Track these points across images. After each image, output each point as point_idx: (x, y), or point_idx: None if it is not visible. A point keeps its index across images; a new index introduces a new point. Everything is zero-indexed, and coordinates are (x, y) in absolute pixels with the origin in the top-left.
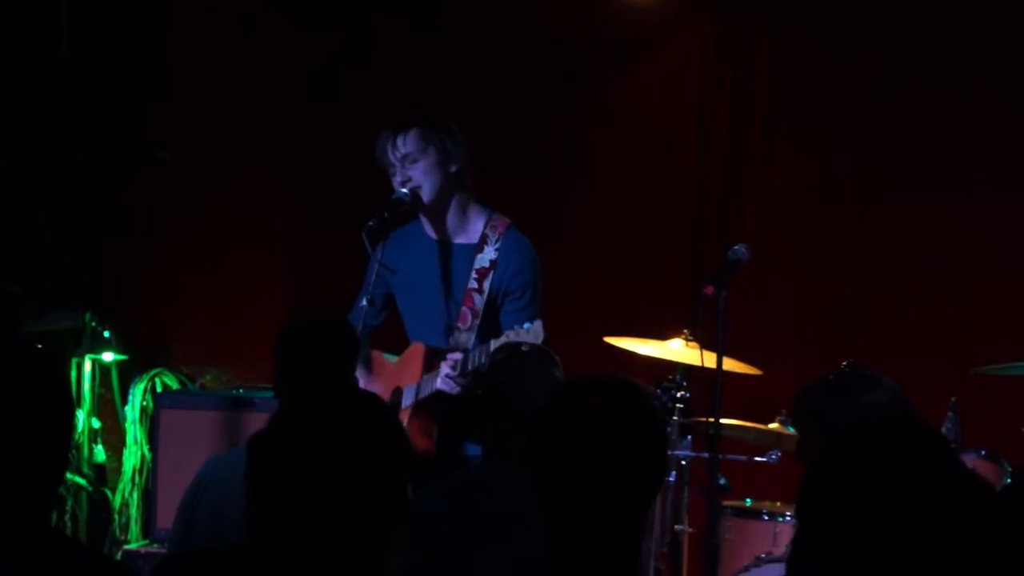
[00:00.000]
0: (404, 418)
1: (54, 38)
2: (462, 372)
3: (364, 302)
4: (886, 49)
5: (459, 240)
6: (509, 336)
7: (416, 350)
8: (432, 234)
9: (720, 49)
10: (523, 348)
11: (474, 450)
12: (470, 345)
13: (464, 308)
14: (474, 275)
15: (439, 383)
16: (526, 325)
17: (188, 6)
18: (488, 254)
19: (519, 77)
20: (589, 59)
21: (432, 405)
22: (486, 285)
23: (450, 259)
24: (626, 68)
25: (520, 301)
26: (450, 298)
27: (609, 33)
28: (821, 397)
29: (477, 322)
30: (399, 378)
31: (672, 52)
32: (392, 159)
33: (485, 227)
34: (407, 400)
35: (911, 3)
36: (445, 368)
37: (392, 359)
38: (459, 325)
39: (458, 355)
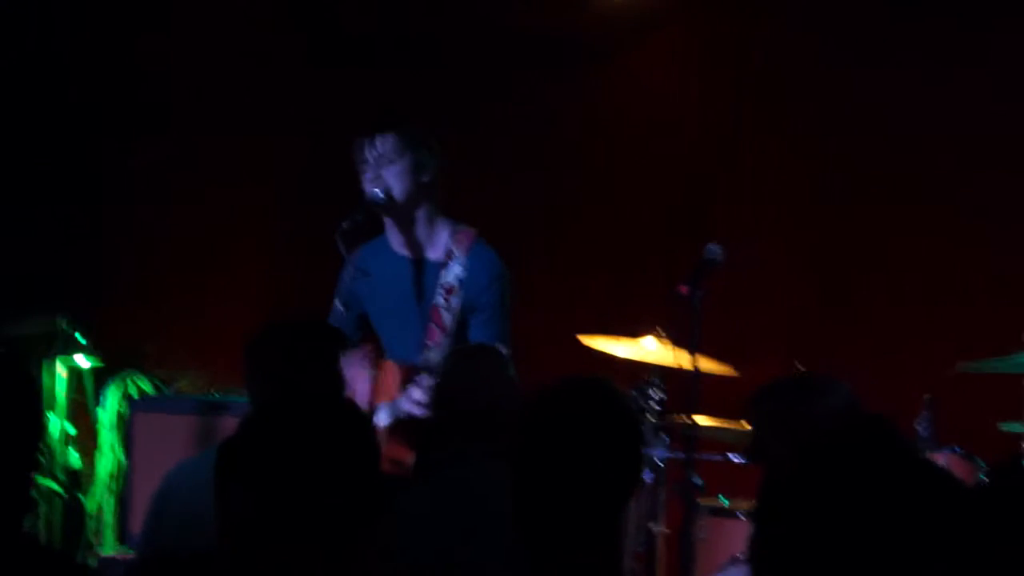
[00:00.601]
0: (381, 438)
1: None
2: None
3: (339, 305)
4: (876, 52)
5: (427, 255)
6: None
7: (391, 367)
8: (400, 250)
9: (705, 50)
10: (467, 350)
11: None
12: (439, 362)
13: (432, 325)
14: (441, 291)
15: (406, 406)
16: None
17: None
18: (454, 270)
19: (498, 76)
20: (568, 58)
21: (407, 426)
22: (454, 301)
23: (422, 275)
24: (605, 68)
25: (486, 315)
26: (422, 314)
27: (590, 32)
28: (776, 400)
29: (446, 339)
30: (375, 393)
31: (653, 52)
32: (367, 156)
33: (450, 241)
34: (383, 420)
35: (902, 7)
36: (415, 393)
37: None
38: (428, 343)
39: (425, 379)
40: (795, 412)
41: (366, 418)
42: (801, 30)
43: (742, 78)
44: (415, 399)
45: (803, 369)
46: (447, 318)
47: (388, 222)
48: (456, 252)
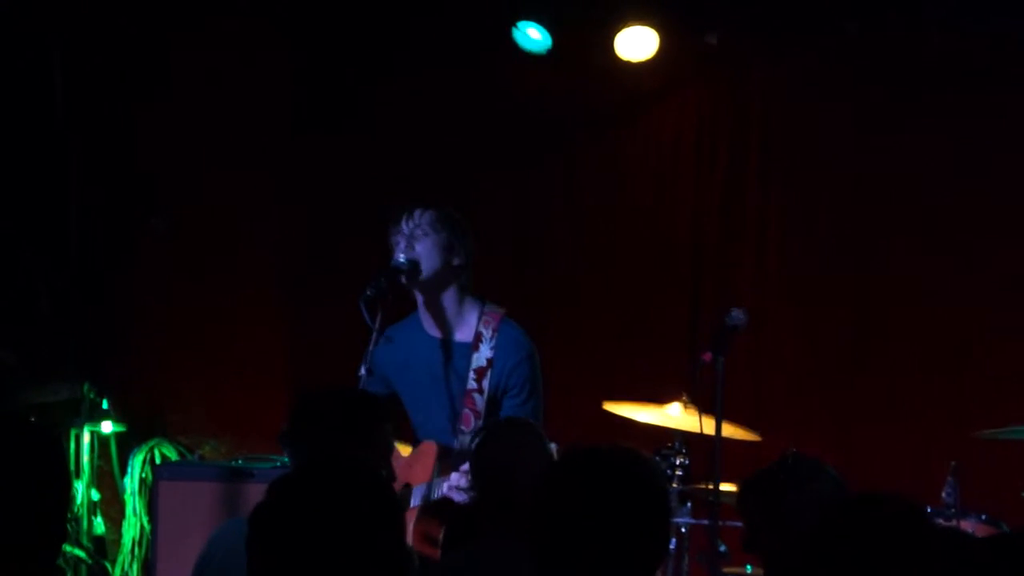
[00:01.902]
0: (410, 519)
1: (48, 105)
2: (472, 484)
3: (363, 371)
4: (881, 111)
5: (457, 338)
6: None
7: (428, 449)
8: (432, 331)
9: (713, 114)
10: (502, 426)
11: None
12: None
13: (466, 410)
14: (472, 375)
15: (446, 491)
16: None
17: (186, 71)
18: (484, 352)
19: (512, 145)
20: (582, 125)
21: (439, 509)
22: (485, 384)
23: (451, 357)
24: (621, 132)
25: (520, 396)
26: (452, 395)
27: (602, 98)
28: (767, 487)
29: (480, 423)
30: (409, 473)
31: (665, 118)
32: (404, 227)
33: (479, 323)
34: (415, 500)
35: (908, 61)
36: (456, 478)
37: (404, 449)
38: (462, 428)
39: (467, 467)
40: (784, 501)
41: (390, 490)
42: (797, 95)
43: (748, 142)
44: (456, 484)
45: (794, 452)
46: (479, 402)
47: (420, 302)
48: (485, 334)
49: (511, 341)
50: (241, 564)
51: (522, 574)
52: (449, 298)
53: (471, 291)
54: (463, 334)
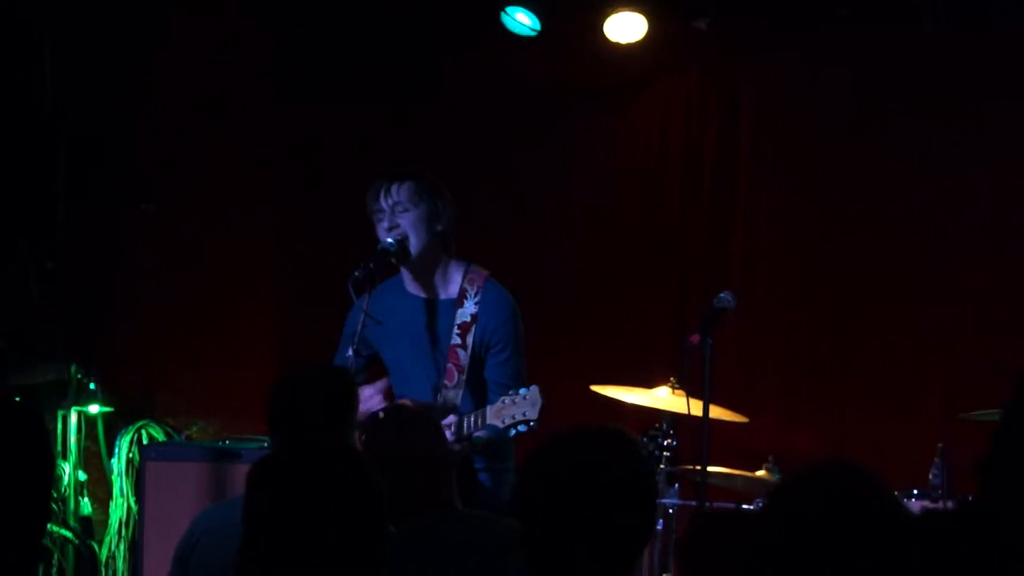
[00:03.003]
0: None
1: (38, 90)
2: (458, 436)
3: (350, 351)
4: (873, 101)
5: (441, 296)
6: (504, 402)
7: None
8: (415, 291)
9: (702, 99)
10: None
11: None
12: (458, 402)
13: (449, 364)
14: (456, 330)
15: None
16: (522, 391)
17: (176, 61)
18: (468, 308)
19: (501, 126)
20: (572, 107)
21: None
22: (469, 340)
23: (435, 316)
24: (610, 116)
25: (503, 354)
26: (436, 355)
27: (593, 81)
28: None
29: (463, 378)
30: None
31: (653, 102)
32: (383, 204)
33: (463, 281)
34: None
35: (897, 59)
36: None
37: None
38: (446, 383)
39: (452, 418)
40: None
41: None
42: (790, 82)
43: (739, 125)
44: None
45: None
46: (463, 357)
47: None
48: (469, 291)
49: (496, 299)
50: (224, 548)
51: (493, 537)
52: (435, 262)
53: (454, 253)
54: (447, 292)
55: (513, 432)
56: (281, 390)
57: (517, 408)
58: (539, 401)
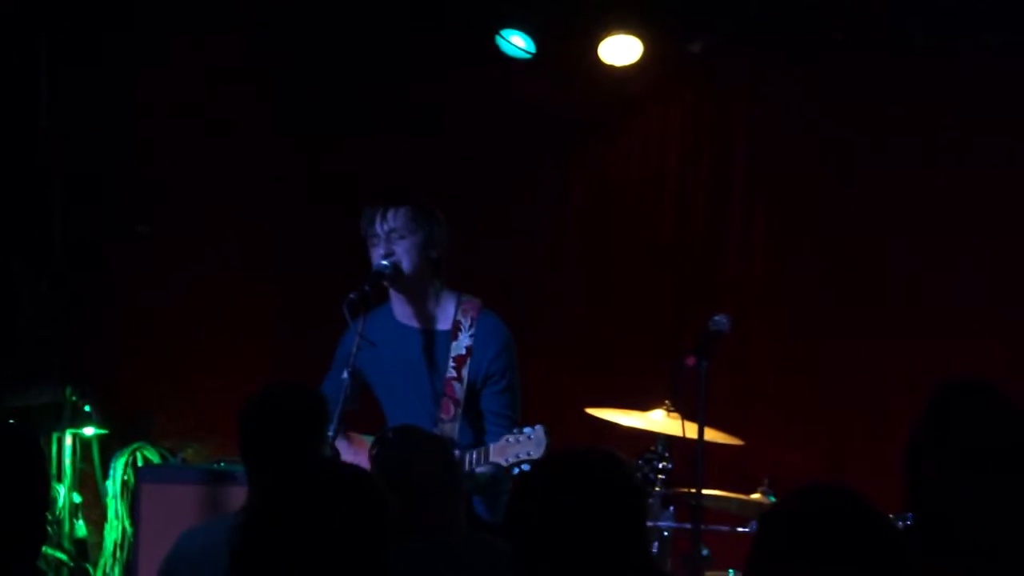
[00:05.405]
0: None
1: (33, 110)
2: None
3: (345, 374)
4: (864, 115)
5: (435, 326)
6: (509, 440)
7: None
8: (406, 320)
9: (698, 118)
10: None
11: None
12: (455, 435)
13: (445, 398)
14: (452, 363)
15: None
16: (527, 430)
17: (175, 84)
18: (463, 341)
19: (496, 149)
20: (566, 130)
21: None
22: (464, 373)
23: (431, 347)
24: (604, 139)
25: (499, 384)
26: (430, 384)
27: (587, 104)
28: None
29: (459, 411)
30: None
31: (650, 124)
32: (378, 230)
33: (457, 312)
34: None
35: (887, 70)
36: None
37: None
38: (442, 416)
39: (456, 453)
40: None
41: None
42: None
43: (733, 146)
44: None
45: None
46: (459, 390)
47: (394, 293)
48: (463, 322)
49: (491, 329)
50: (213, 566)
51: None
52: (427, 289)
53: (445, 280)
54: (441, 323)
55: (516, 471)
56: (246, 416)
57: (521, 447)
58: (544, 441)
